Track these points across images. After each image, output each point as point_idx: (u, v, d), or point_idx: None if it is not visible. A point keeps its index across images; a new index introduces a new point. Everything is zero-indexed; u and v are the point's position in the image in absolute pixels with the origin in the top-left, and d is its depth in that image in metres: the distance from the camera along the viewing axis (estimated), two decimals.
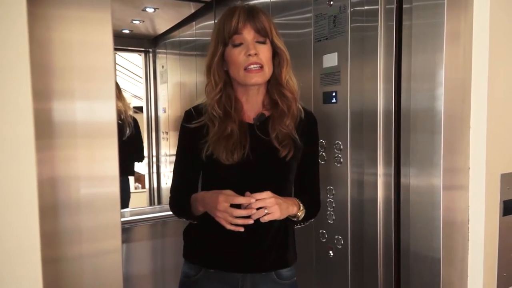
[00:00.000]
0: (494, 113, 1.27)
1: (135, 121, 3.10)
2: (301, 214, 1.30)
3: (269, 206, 1.15)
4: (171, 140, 3.85)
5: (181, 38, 3.47)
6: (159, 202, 3.96)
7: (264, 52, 1.21)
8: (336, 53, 1.60)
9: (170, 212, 2.32)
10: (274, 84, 1.28)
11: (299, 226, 1.38)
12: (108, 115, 0.69)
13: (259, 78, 1.21)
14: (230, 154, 1.20)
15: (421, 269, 1.32)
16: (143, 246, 2.33)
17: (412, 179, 1.33)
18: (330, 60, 1.63)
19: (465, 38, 1.27)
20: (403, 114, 1.36)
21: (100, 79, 0.69)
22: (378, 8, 1.42)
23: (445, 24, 1.21)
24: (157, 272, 2.39)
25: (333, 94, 1.62)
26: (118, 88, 2.97)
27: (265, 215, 1.15)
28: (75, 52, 0.67)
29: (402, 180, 1.38)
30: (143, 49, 4.10)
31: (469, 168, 1.29)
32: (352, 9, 1.52)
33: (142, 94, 4.27)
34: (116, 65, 5.33)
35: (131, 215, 2.29)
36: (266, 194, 1.15)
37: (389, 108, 1.42)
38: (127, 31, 3.68)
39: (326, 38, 1.64)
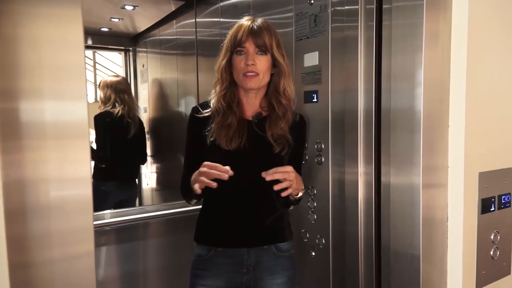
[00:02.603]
0: (472, 112, 1.29)
1: (140, 121, 3.09)
2: (303, 193, 1.49)
3: (291, 179, 1.34)
4: (152, 141, 3.80)
5: (161, 37, 3.43)
6: (141, 204, 3.91)
7: (262, 62, 1.40)
8: (317, 52, 1.59)
9: (152, 214, 2.34)
10: (272, 91, 1.47)
11: (290, 208, 1.56)
12: (79, 115, 0.67)
13: (253, 84, 1.41)
14: (229, 142, 1.40)
15: (401, 266, 1.33)
16: (125, 248, 2.30)
17: (392, 178, 1.34)
18: (311, 59, 1.62)
19: (443, 39, 1.27)
20: (383, 114, 1.37)
21: (71, 78, 0.67)
22: (358, 8, 1.42)
23: (424, 24, 1.22)
24: (139, 275, 2.35)
25: (314, 93, 1.62)
26: (128, 86, 2.99)
27: (287, 188, 1.34)
28: (44, 49, 0.64)
29: (383, 179, 1.38)
30: (123, 47, 4.04)
31: (448, 166, 1.30)
32: (332, 9, 1.52)
33: None
34: (96, 64, 5.25)
35: (111, 217, 2.25)
36: (289, 168, 1.34)
37: (369, 107, 1.42)
38: (106, 29, 3.61)
39: (307, 37, 1.63)
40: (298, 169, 1.51)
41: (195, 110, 1.51)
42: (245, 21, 1.43)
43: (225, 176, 1.27)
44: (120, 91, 2.90)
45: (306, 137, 1.60)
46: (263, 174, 1.31)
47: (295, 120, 1.50)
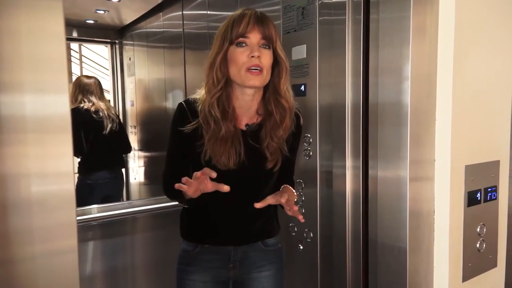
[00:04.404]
0: (458, 106, 1.29)
1: (118, 117, 3.18)
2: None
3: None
4: (140, 135, 3.78)
5: (148, 30, 3.39)
6: (128, 198, 3.88)
7: (266, 57, 1.24)
8: (305, 45, 1.59)
9: (139, 208, 2.32)
10: (271, 93, 1.30)
11: None
12: (60, 109, 0.65)
13: (257, 81, 1.23)
14: (227, 161, 1.25)
15: (388, 259, 1.34)
16: (113, 242, 2.28)
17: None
18: (299, 52, 1.62)
19: (431, 32, 1.27)
20: (371, 108, 1.37)
21: (51, 70, 0.65)
22: (345, 2, 1.42)
23: (411, 18, 1.22)
24: (127, 269, 2.34)
25: (302, 86, 1.61)
26: (98, 88, 3.07)
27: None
28: (24, 41, 0.63)
29: (370, 172, 1.38)
30: (109, 40, 4.00)
31: (434, 160, 1.31)
32: (320, 2, 1.51)
33: (109, 87, 4.17)
34: (82, 57, 5.18)
35: (98, 212, 2.23)
36: (292, 196, 1.30)
37: (357, 101, 1.42)
38: (91, 21, 3.56)
39: (295, 30, 1.63)
40: (293, 163, 1.48)
41: (181, 113, 1.31)
42: (245, 10, 1.25)
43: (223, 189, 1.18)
44: (88, 92, 3.00)
45: (301, 132, 1.45)
46: (257, 205, 1.23)
47: (293, 126, 1.35)
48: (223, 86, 1.26)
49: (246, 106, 1.31)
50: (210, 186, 1.18)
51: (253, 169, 1.31)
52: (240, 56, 1.22)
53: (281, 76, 1.28)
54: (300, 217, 1.26)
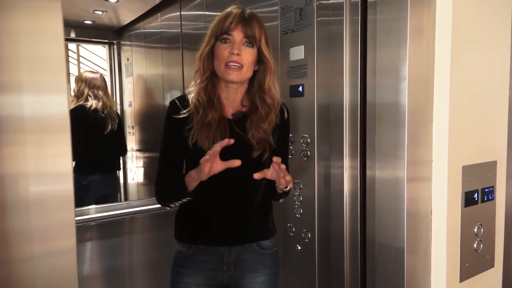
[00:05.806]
0: (456, 107, 1.30)
1: (118, 116, 3.16)
2: (291, 185, 1.41)
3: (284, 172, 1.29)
4: (138, 135, 3.77)
5: (146, 30, 3.39)
6: (126, 198, 3.88)
7: (248, 55, 1.32)
8: (303, 46, 1.59)
9: (137, 209, 2.33)
10: (257, 89, 1.38)
11: (281, 201, 1.50)
12: (59, 109, 0.65)
13: (235, 76, 1.32)
14: (212, 144, 1.30)
15: (385, 259, 1.34)
16: (111, 243, 2.28)
17: (377, 171, 1.34)
18: (297, 53, 1.62)
19: (428, 33, 1.28)
20: (368, 108, 1.37)
21: (50, 70, 0.65)
22: (343, 2, 1.42)
23: (408, 18, 1.22)
24: (125, 270, 2.34)
25: (300, 87, 1.61)
26: (104, 83, 3.03)
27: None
28: (22, 41, 0.63)
29: (368, 172, 1.39)
30: (107, 40, 4.00)
31: (432, 160, 1.31)
32: (317, 2, 1.51)
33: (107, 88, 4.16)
34: (80, 57, 5.17)
35: (97, 212, 2.23)
36: (277, 160, 1.28)
37: (355, 102, 1.42)
38: (89, 22, 3.56)
39: (293, 31, 1.63)
40: (285, 158, 1.48)
41: (173, 108, 1.39)
42: (234, 8, 1.34)
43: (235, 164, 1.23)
44: (94, 86, 2.95)
45: (289, 126, 1.51)
46: (255, 176, 1.25)
47: (278, 119, 1.40)
48: (209, 76, 1.36)
49: (231, 98, 1.40)
50: (219, 165, 1.24)
51: (238, 156, 1.30)
52: (223, 52, 1.31)
53: (266, 74, 1.36)
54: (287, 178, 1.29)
